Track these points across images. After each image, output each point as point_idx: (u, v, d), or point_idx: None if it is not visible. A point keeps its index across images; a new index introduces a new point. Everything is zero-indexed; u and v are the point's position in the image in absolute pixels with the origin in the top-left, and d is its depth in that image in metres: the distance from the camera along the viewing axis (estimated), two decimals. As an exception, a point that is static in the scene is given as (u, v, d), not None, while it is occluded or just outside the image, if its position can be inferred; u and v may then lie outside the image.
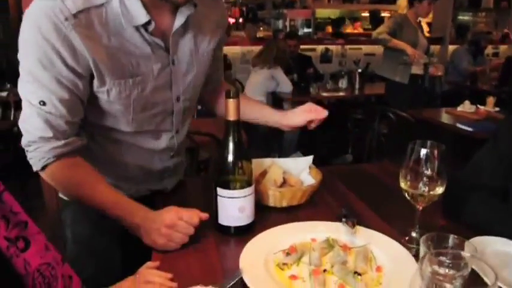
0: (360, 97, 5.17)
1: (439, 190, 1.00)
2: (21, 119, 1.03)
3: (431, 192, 1.00)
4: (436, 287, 0.74)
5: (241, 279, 0.85)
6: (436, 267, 0.78)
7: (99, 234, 1.25)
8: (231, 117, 1.02)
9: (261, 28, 6.84)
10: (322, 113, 1.28)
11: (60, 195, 1.25)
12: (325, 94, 4.85)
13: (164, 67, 1.12)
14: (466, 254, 0.79)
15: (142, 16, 1.01)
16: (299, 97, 4.78)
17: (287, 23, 6.99)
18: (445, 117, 3.51)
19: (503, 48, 7.54)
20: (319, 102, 5.36)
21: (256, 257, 0.92)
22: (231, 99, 1.01)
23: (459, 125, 3.15)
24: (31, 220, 0.68)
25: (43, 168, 1.04)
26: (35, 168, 1.05)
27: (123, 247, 1.26)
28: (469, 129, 3.06)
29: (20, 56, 0.98)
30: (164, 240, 0.98)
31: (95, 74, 1.01)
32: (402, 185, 1.02)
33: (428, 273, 0.84)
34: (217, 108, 1.49)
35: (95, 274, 1.07)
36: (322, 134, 4.93)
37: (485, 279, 0.79)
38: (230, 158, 1.04)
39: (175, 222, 0.98)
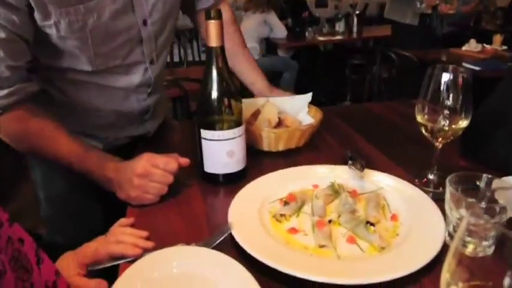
0: (357, 41, 4.93)
1: (463, 124, 0.84)
2: None
3: (453, 126, 0.84)
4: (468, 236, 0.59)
5: (231, 235, 0.71)
6: (466, 212, 0.64)
7: (76, 192, 1.11)
8: (213, 42, 0.84)
9: (253, -29, 6.44)
10: None
11: None
12: (321, 38, 4.62)
13: None
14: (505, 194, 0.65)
15: None
16: (294, 42, 4.55)
17: (280, -34, 6.59)
18: (449, 57, 3.33)
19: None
20: (315, 47, 5.13)
21: (248, 209, 0.78)
22: (212, 21, 0.83)
23: (465, 65, 2.96)
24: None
25: None
26: None
27: (105, 206, 1.11)
28: (476, 68, 2.88)
29: None
30: (138, 192, 0.84)
31: (33, 4, 0.81)
32: (419, 118, 0.87)
33: (456, 220, 0.71)
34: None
35: (75, 235, 0.93)
36: (320, 81, 4.75)
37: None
38: (214, 93, 0.87)
39: (148, 171, 0.83)
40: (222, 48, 0.86)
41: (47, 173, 1.12)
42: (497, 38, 3.37)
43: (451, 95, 0.83)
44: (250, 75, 1.26)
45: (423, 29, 3.97)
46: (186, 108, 2.61)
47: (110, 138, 1.10)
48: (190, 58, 5.19)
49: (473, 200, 0.68)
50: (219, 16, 0.83)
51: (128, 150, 1.00)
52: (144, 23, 0.98)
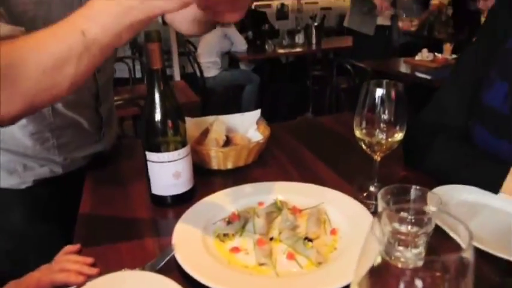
0: (317, 52, 5.03)
1: (398, 136, 0.88)
2: None
3: (389, 139, 0.88)
4: (396, 247, 0.62)
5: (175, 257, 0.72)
6: (396, 225, 0.68)
7: (36, 220, 1.06)
8: (155, 64, 0.85)
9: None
10: None
11: None
12: (281, 51, 4.69)
13: None
14: (429, 207, 0.69)
15: None
16: (255, 55, 4.60)
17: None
18: (403, 67, 3.44)
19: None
20: (276, 59, 5.20)
21: (192, 230, 0.79)
22: (152, 43, 0.83)
23: (418, 74, 3.07)
24: None
25: None
26: None
27: (69, 234, 1.08)
28: (428, 77, 2.99)
29: None
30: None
31: None
32: (357, 133, 0.90)
33: (387, 233, 0.74)
34: None
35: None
36: (282, 93, 4.81)
37: (453, 235, 0.69)
38: (157, 115, 0.87)
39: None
40: (163, 70, 0.87)
41: None
42: (447, 47, 3.49)
43: (386, 109, 0.86)
44: None
45: (383, 40, 4.07)
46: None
47: (68, 160, 1.09)
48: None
49: (404, 213, 0.71)
50: (159, 39, 0.84)
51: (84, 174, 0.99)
52: None
